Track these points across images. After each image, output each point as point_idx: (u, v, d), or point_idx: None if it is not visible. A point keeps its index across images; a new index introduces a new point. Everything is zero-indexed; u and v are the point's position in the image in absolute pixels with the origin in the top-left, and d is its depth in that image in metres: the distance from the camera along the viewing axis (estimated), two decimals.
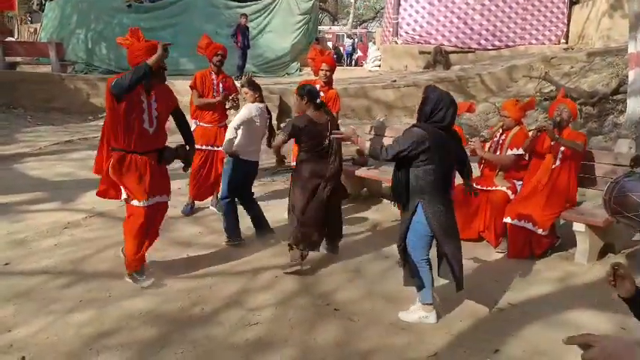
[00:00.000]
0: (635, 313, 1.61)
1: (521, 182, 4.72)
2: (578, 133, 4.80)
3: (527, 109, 5.12)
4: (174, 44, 4.09)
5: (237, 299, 3.74)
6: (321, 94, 4.76)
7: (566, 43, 14.66)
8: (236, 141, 4.49)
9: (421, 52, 15.05)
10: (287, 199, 4.42)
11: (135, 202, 3.72)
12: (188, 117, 5.45)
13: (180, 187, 6.02)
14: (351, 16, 32.86)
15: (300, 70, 16.24)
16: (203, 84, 5.48)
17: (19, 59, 14.63)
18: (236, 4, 16.57)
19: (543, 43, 14.76)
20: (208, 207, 5.76)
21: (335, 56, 13.72)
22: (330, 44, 24.16)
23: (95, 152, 4.01)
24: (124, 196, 3.79)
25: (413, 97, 10.82)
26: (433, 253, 3.42)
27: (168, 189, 4.01)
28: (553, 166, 4.51)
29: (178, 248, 4.62)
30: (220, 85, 5.51)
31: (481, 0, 14.91)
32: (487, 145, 4.84)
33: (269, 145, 4.74)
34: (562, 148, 4.46)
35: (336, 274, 4.17)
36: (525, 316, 3.50)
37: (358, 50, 24.85)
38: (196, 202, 5.71)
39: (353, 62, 23.81)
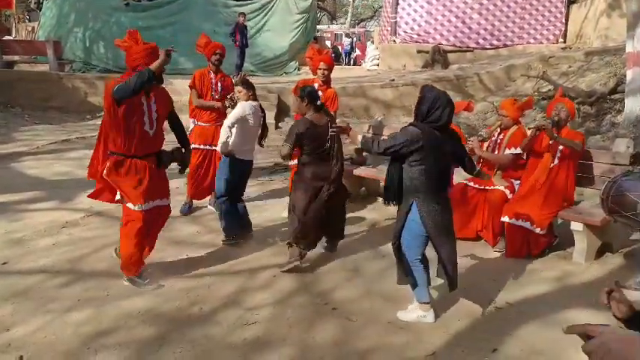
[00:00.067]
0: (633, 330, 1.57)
1: (519, 181, 4.73)
2: (577, 132, 4.80)
3: (525, 109, 5.12)
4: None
5: (236, 298, 3.74)
6: (320, 93, 4.76)
7: (564, 42, 14.68)
8: (231, 140, 4.48)
9: (419, 52, 15.05)
10: (285, 198, 4.42)
11: (131, 206, 3.70)
12: (186, 116, 5.47)
13: (178, 187, 6.01)
14: (350, 15, 32.87)
15: (299, 69, 16.23)
16: (202, 83, 5.47)
17: (16, 58, 14.58)
18: (234, 2, 16.55)
19: (541, 43, 14.77)
20: (206, 206, 5.75)
21: (333, 55, 13.75)
22: (328, 43, 24.13)
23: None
24: (117, 197, 3.78)
25: (411, 96, 10.81)
26: (433, 252, 3.41)
27: (167, 192, 4.00)
28: (551, 166, 4.51)
29: (176, 248, 4.61)
30: (219, 84, 5.50)
31: None
32: (485, 144, 4.84)
33: (260, 143, 4.74)
34: (560, 148, 4.46)
35: (334, 273, 4.18)
36: (523, 315, 3.51)
37: (356, 49, 24.84)
38: (194, 202, 5.71)
39: (351, 61, 23.79)
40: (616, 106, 8.21)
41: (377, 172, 5.82)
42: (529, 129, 4.90)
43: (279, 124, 10.51)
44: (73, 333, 3.24)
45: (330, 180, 4.12)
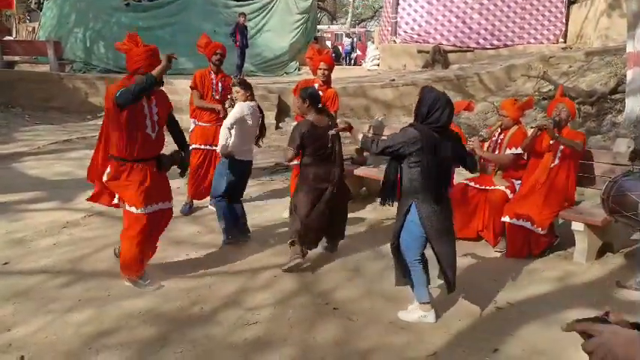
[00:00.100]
0: None
1: (519, 181, 4.73)
2: (577, 132, 4.81)
3: (526, 109, 5.12)
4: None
5: (236, 299, 3.74)
6: (320, 93, 4.76)
7: (565, 42, 14.67)
8: (230, 141, 4.49)
9: (420, 52, 15.05)
10: (285, 198, 4.42)
11: (133, 210, 3.70)
12: (187, 116, 5.47)
13: (179, 187, 6.00)
14: (350, 15, 32.85)
15: (299, 70, 16.22)
16: (203, 83, 5.48)
17: (17, 58, 14.58)
18: (234, 3, 16.55)
19: (542, 43, 14.77)
20: (207, 206, 5.75)
21: (333, 55, 13.74)
22: (328, 43, 24.13)
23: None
24: (115, 201, 3.78)
25: (411, 96, 10.80)
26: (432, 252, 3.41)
27: (169, 195, 4.00)
28: (552, 165, 4.51)
29: (177, 248, 4.62)
30: (220, 84, 5.51)
31: None
32: (486, 144, 4.84)
33: (257, 144, 4.74)
34: (561, 147, 4.46)
35: (335, 273, 4.18)
36: (524, 315, 3.51)
37: (357, 49, 24.84)
38: (195, 202, 5.71)
39: (352, 61, 23.81)
40: (616, 106, 8.21)
41: (378, 172, 5.81)
42: (530, 129, 4.90)
43: (280, 124, 10.51)
44: (74, 333, 3.24)
45: (332, 182, 4.13)
